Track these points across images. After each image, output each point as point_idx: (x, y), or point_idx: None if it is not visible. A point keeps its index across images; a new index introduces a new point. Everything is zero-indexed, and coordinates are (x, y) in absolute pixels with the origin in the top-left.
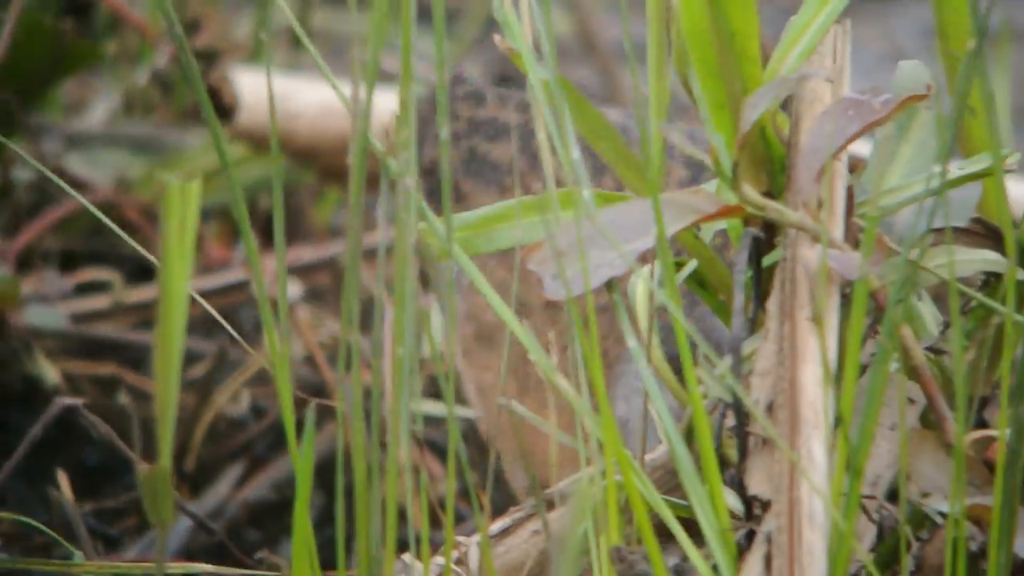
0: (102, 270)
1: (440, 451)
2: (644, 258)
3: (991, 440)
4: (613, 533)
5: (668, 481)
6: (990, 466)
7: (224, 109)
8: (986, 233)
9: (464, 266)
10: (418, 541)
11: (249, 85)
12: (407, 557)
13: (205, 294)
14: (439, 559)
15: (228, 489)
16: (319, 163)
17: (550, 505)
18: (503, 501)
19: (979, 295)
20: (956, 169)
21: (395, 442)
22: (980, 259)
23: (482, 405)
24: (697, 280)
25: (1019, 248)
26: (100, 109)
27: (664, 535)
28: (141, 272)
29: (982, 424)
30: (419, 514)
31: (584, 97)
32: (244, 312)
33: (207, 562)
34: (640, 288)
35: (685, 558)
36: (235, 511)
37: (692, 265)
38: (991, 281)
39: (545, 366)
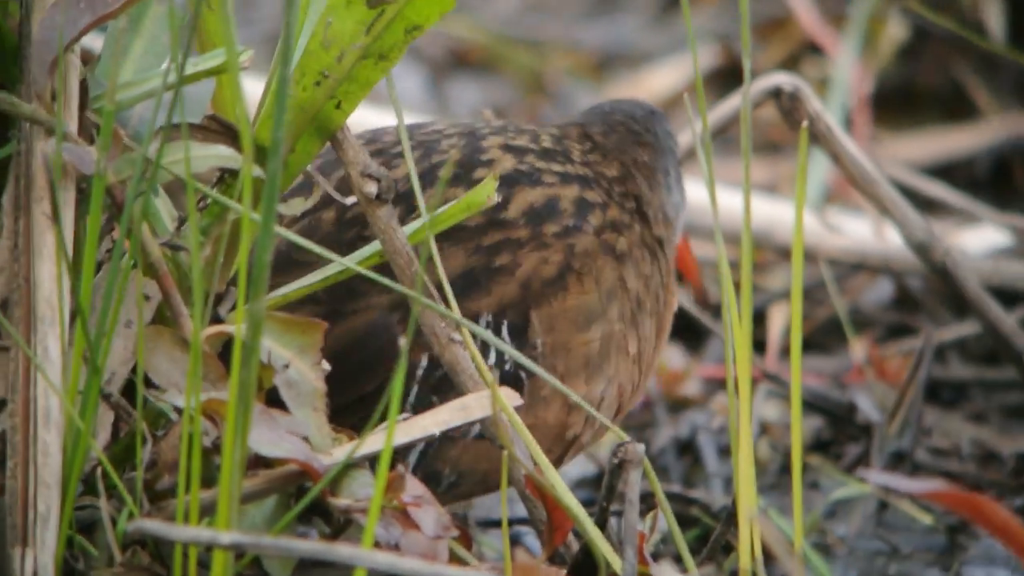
0: None
1: None
2: None
3: (226, 336)
4: None
5: None
6: (226, 362)
7: None
8: (220, 129)
9: None
10: None
11: None
12: None
13: None
14: None
15: None
16: None
17: None
18: None
19: (214, 192)
20: (191, 65)
21: None
22: (215, 155)
23: None
24: None
25: (254, 145)
26: None
27: None
28: None
29: (217, 320)
30: None
31: None
32: None
33: None
34: None
35: None
36: None
37: None
38: (226, 177)
39: None
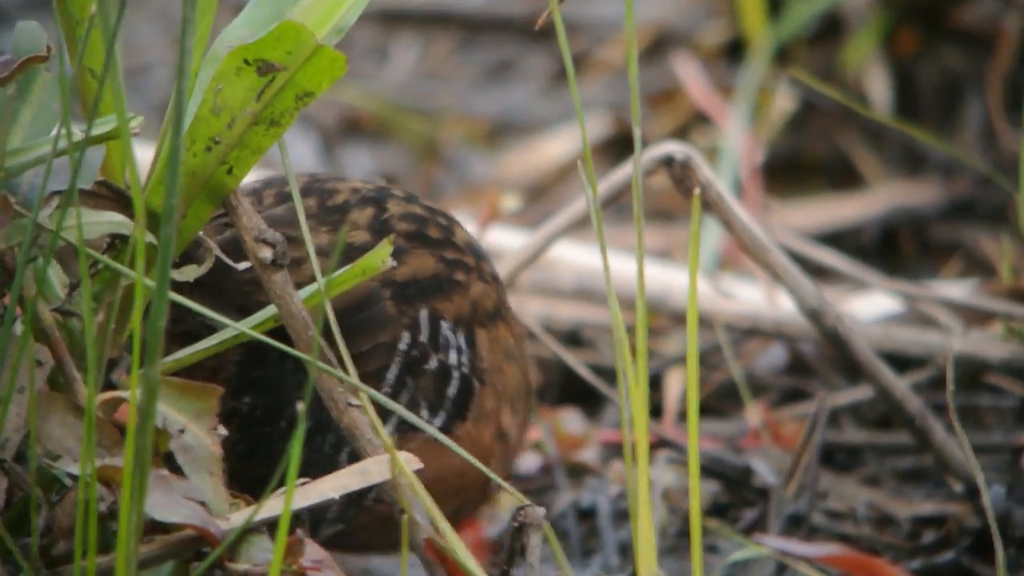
0: None
1: None
2: None
3: (121, 401)
4: None
5: None
6: (120, 428)
7: None
8: (111, 195)
9: None
10: None
11: None
12: None
13: None
14: None
15: None
16: None
17: None
18: None
19: (106, 258)
20: (80, 131)
21: None
22: (107, 221)
23: None
24: None
25: (147, 211)
26: None
27: None
28: None
29: (111, 386)
30: None
31: None
32: None
33: None
34: None
35: None
36: None
37: None
38: (117, 243)
39: None
